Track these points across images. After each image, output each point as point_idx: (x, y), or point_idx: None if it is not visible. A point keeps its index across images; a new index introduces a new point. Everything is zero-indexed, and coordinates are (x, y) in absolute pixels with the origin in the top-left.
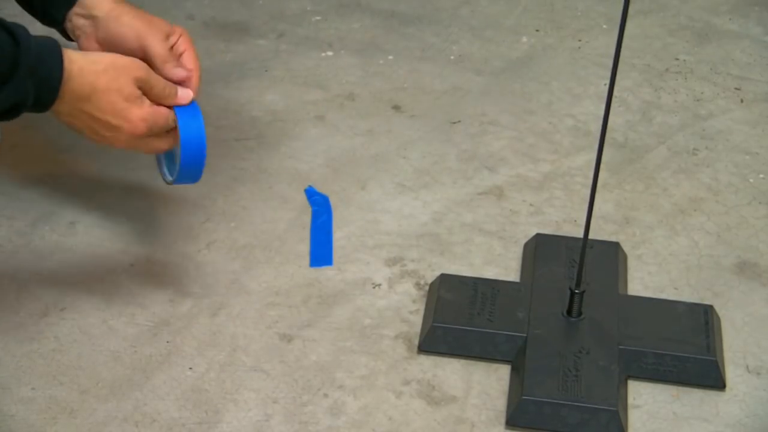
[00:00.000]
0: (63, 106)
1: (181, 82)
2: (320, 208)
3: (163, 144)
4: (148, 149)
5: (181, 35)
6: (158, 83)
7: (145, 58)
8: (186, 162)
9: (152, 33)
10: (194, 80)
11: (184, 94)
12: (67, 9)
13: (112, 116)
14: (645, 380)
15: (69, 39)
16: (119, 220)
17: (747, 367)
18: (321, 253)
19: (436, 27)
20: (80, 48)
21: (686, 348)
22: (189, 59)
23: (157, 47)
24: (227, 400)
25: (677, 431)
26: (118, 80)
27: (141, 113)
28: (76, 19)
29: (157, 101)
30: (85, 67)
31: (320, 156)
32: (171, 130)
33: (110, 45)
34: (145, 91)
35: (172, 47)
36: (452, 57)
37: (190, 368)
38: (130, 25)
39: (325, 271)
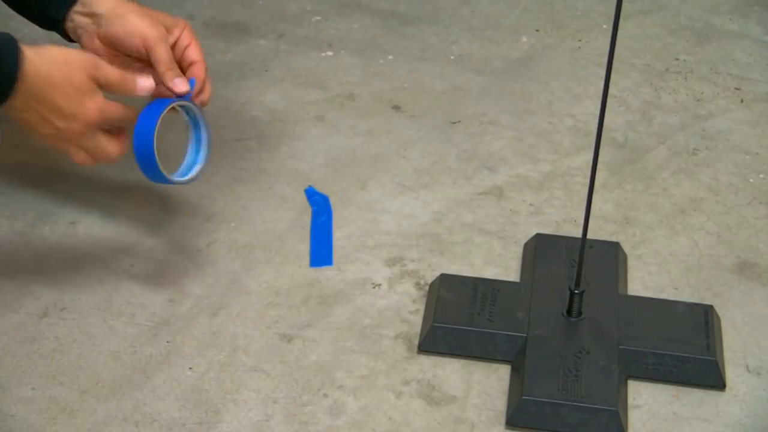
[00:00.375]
0: (17, 101)
1: (182, 94)
2: (320, 208)
3: (113, 146)
4: (98, 151)
5: (184, 28)
6: (113, 75)
7: (149, 60)
8: (136, 152)
9: (157, 36)
10: (200, 72)
11: (143, 85)
12: (66, 9)
13: (67, 105)
14: (645, 380)
15: (69, 40)
16: (119, 220)
17: (747, 367)
18: (321, 253)
19: (436, 27)
20: (83, 47)
21: (686, 348)
22: (194, 52)
23: (161, 53)
24: (227, 400)
25: (677, 431)
26: (71, 74)
27: (95, 103)
28: (77, 18)
29: (116, 94)
30: (40, 63)
31: (320, 156)
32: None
33: (114, 43)
34: (101, 84)
35: (175, 44)
36: (452, 57)
37: (190, 368)
38: (135, 25)
39: (325, 271)
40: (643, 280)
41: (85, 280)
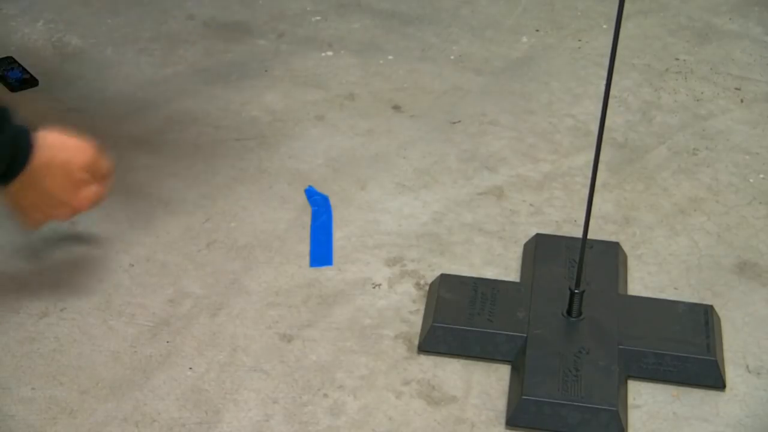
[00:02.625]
0: (15, 186)
1: None
2: (320, 208)
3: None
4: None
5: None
6: (105, 167)
7: None
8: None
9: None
10: None
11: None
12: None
13: (61, 194)
14: (645, 380)
15: None
16: (119, 220)
17: (747, 367)
18: (321, 253)
19: (436, 27)
20: None
21: (686, 348)
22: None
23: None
24: (227, 400)
25: (677, 431)
26: (69, 164)
27: (87, 193)
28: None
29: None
30: (42, 158)
31: (320, 156)
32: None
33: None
34: (92, 172)
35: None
36: (452, 57)
37: (190, 368)
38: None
39: (325, 271)
40: (643, 280)
41: (85, 280)
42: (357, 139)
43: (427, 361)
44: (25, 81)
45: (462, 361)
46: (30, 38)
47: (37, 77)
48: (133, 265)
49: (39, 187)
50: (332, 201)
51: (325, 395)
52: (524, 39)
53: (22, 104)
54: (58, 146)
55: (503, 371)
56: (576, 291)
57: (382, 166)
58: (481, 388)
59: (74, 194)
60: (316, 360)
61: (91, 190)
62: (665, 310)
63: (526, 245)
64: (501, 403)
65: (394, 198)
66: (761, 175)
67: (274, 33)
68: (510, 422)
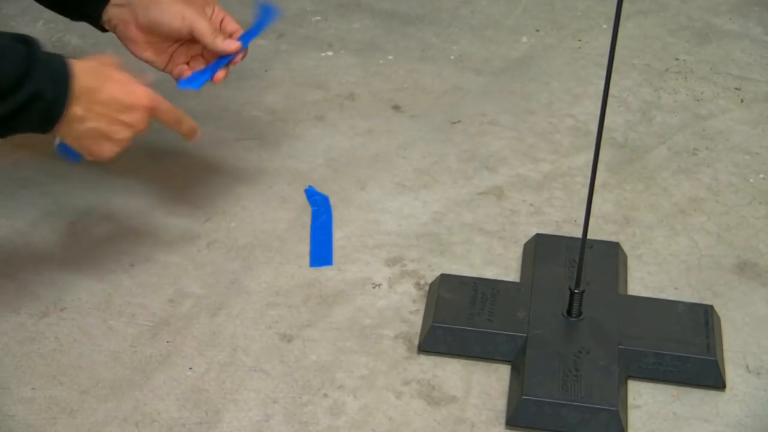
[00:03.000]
0: (78, 107)
1: (235, 51)
2: (320, 208)
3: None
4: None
5: (214, 5)
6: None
7: (188, 39)
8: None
9: (195, 12)
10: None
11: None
12: (103, 5)
13: (125, 96)
14: (645, 380)
15: (102, 30)
16: (119, 220)
17: (747, 367)
18: (321, 253)
19: (436, 27)
20: (119, 36)
21: (686, 348)
22: (230, 23)
23: (204, 25)
24: (227, 400)
25: (677, 431)
26: (113, 71)
27: (142, 89)
28: (112, 10)
29: None
30: (83, 64)
31: (320, 156)
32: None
33: (153, 28)
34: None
35: (211, 18)
36: (452, 57)
37: (190, 368)
38: (171, 7)
39: (325, 271)
40: (643, 280)
41: (85, 280)
42: (357, 139)
43: (427, 361)
44: None
45: (462, 361)
46: None
47: None
48: (133, 265)
49: (100, 97)
50: (332, 201)
51: (325, 395)
52: (524, 39)
53: None
54: (91, 60)
55: (503, 371)
56: (576, 291)
57: (382, 166)
58: (481, 388)
59: (134, 90)
60: (316, 360)
61: (144, 87)
62: (665, 310)
63: (526, 245)
64: (501, 403)
65: (394, 198)
66: (761, 175)
67: (274, 33)
68: (510, 422)
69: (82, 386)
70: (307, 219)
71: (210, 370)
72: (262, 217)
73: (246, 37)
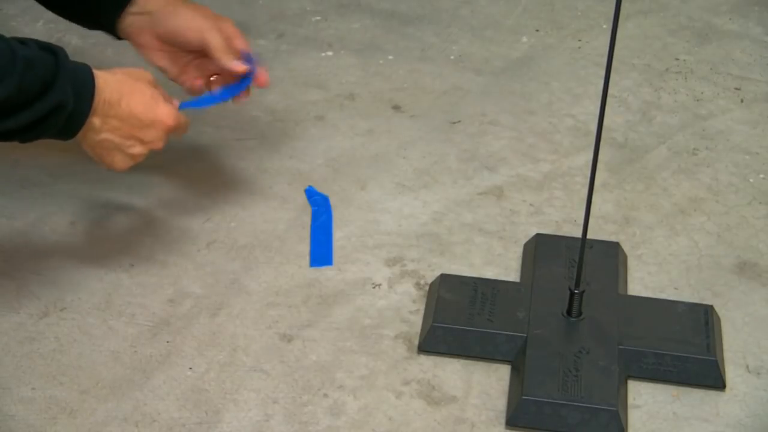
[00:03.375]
0: (96, 118)
1: (241, 73)
2: (320, 208)
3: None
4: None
5: (228, 22)
6: (162, 88)
7: (204, 50)
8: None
9: (210, 27)
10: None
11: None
12: (119, 13)
13: (144, 113)
14: (645, 380)
15: (117, 38)
16: (119, 220)
17: (747, 367)
18: (321, 253)
19: (436, 27)
20: (134, 44)
21: (686, 348)
22: (241, 42)
23: (216, 41)
24: (227, 400)
25: (677, 431)
26: (138, 84)
27: (165, 109)
28: (129, 18)
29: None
30: (108, 77)
31: (320, 156)
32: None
33: (168, 38)
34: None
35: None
36: (452, 57)
37: (190, 368)
38: (188, 19)
39: (325, 271)
40: (643, 280)
41: (85, 280)
42: (357, 139)
43: (427, 361)
44: None
45: (462, 361)
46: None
47: None
48: (133, 265)
49: (118, 112)
50: (332, 201)
51: (325, 395)
52: (524, 39)
53: None
54: (118, 72)
55: (503, 371)
56: (576, 291)
57: (382, 166)
58: (481, 388)
59: (156, 111)
60: (316, 360)
61: (172, 107)
62: (665, 310)
63: (526, 245)
64: (501, 403)
65: (394, 198)
66: (761, 175)
67: (274, 33)
68: (510, 422)
69: (82, 386)
70: (307, 219)
71: (210, 370)
72: (262, 217)
73: (225, 93)
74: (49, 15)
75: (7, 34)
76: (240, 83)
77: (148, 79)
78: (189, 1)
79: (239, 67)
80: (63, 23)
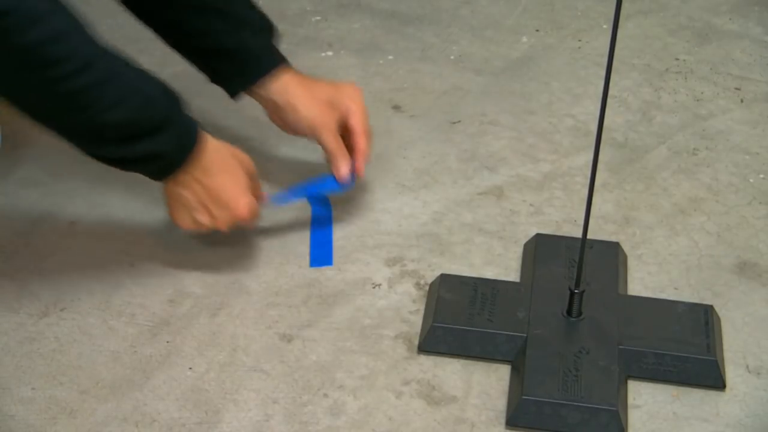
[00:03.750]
0: (185, 175)
1: (342, 177)
2: (320, 208)
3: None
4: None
5: (351, 101)
6: (258, 181)
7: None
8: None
9: (322, 125)
10: (360, 144)
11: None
12: (243, 88)
13: (226, 196)
14: (645, 380)
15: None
16: (119, 220)
17: (747, 367)
18: (321, 253)
19: (436, 27)
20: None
21: (686, 348)
22: (356, 122)
23: (326, 141)
24: (227, 400)
25: (677, 431)
26: (237, 168)
27: (247, 201)
28: (251, 92)
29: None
30: (215, 145)
31: (320, 156)
32: None
33: (284, 124)
34: (253, 183)
35: (345, 125)
36: (452, 57)
37: (190, 368)
38: (303, 114)
39: (325, 271)
40: (643, 280)
41: (85, 280)
42: None
43: (427, 361)
44: None
45: (462, 361)
46: None
47: None
48: (133, 265)
49: (207, 181)
50: (332, 201)
51: (325, 395)
52: (524, 39)
53: None
54: (226, 147)
55: (503, 371)
56: (576, 291)
57: (382, 166)
58: (481, 388)
59: (239, 198)
60: (316, 360)
61: (254, 201)
62: (665, 310)
63: (526, 245)
64: (501, 403)
65: (394, 198)
66: (761, 175)
67: None
68: (510, 422)
69: (82, 386)
70: (307, 219)
71: (210, 370)
72: (262, 218)
73: (298, 192)
74: None
75: None
76: (334, 181)
77: (248, 167)
78: (310, 83)
79: (342, 172)
80: None
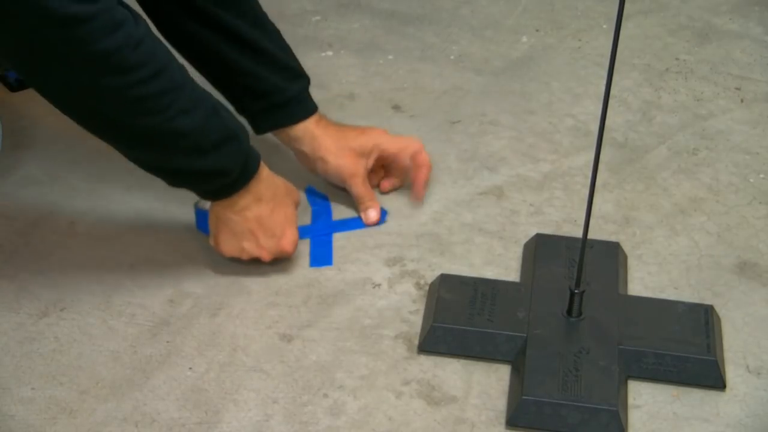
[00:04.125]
0: (241, 199)
1: (371, 223)
2: (320, 208)
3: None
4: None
5: (378, 150)
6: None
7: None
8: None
9: (355, 175)
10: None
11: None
12: (270, 131)
13: (275, 226)
14: (645, 380)
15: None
16: (119, 220)
17: (747, 367)
18: (321, 253)
19: (436, 27)
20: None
21: (686, 348)
22: (392, 168)
23: (355, 189)
24: (227, 400)
25: (677, 431)
26: (288, 201)
27: (294, 234)
28: (279, 133)
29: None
30: (272, 176)
31: None
32: None
33: (312, 169)
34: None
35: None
36: (452, 57)
37: (190, 368)
38: (332, 166)
39: (325, 271)
40: (643, 280)
41: (85, 280)
42: None
43: (427, 361)
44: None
45: (462, 361)
46: None
47: None
48: (133, 265)
49: (256, 211)
50: (332, 201)
51: (325, 395)
52: (524, 39)
53: (21, 104)
54: (279, 178)
55: (503, 371)
56: (576, 291)
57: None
58: (481, 388)
59: (286, 230)
60: (316, 360)
61: (296, 234)
62: (665, 310)
63: (526, 245)
64: (501, 403)
65: (394, 198)
66: (761, 175)
67: None
68: (510, 422)
69: (82, 386)
70: (307, 219)
71: (210, 370)
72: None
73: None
74: None
75: None
76: (361, 222)
77: (296, 201)
78: (338, 132)
79: (371, 219)
80: None
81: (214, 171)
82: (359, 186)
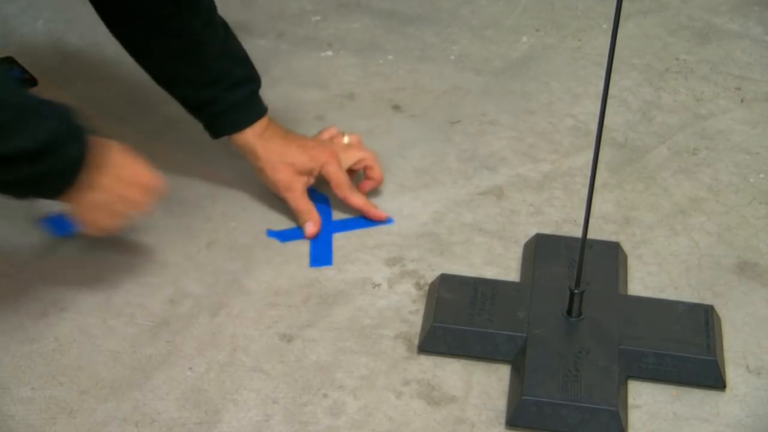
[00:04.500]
0: (97, 177)
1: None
2: (320, 208)
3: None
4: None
5: (325, 165)
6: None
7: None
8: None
9: (292, 190)
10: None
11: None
12: (214, 138)
13: (131, 174)
14: (645, 380)
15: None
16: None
17: (747, 367)
18: (321, 253)
19: (436, 27)
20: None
21: (686, 348)
22: (337, 191)
23: (293, 204)
24: (227, 400)
25: (677, 431)
26: (124, 152)
27: (148, 170)
28: (234, 139)
29: None
30: (102, 143)
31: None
32: None
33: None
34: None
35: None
36: (452, 57)
37: (190, 368)
38: (271, 180)
39: (325, 271)
40: (643, 280)
41: (85, 280)
42: None
43: (427, 361)
44: (25, 81)
45: (462, 361)
46: (30, 38)
47: (37, 77)
48: (133, 266)
49: (110, 174)
50: (332, 201)
51: (325, 395)
52: (524, 39)
53: None
54: (109, 142)
55: (503, 371)
56: (576, 291)
57: (382, 166)
58: (481, 388)
59: (140, 169)
60: (316, 360)
61: (150, 170)
62: (665, 310)
63: (526, 245)
64: (501, 403)
65: (394, 198)
66: (761, 175)
67: (274, 33)
68: (510, 422)
69: (81, 386)
70: None
71: (210, 370)
72: (263, 217)
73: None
74: (49, 14)
75: (7, 34)
76: (358, 221)
77: (131, 151)
78: (285, 143)
79: (308, 234)
80: (63, 22)
81: (52, 171)
82: (296, 201)
